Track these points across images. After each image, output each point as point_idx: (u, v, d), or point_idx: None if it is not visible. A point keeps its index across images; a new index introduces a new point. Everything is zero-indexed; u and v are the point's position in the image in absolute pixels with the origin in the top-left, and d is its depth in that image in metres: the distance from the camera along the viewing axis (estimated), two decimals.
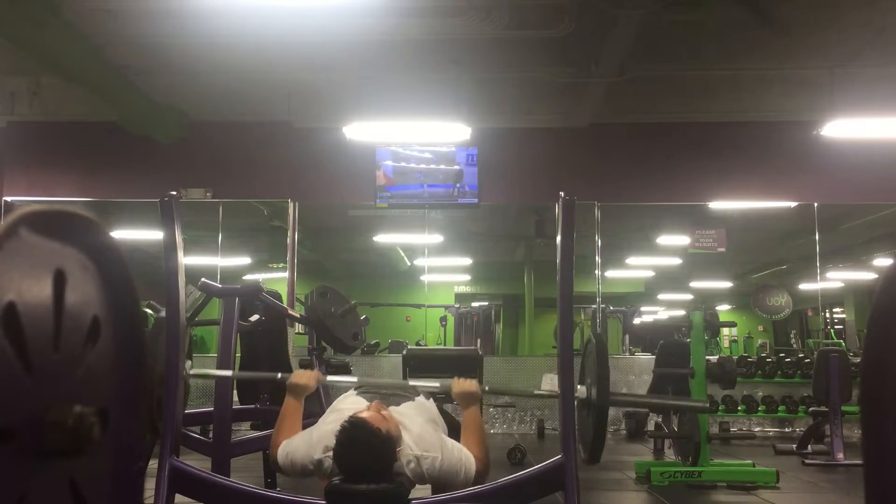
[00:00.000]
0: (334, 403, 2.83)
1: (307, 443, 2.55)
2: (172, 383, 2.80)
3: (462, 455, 2.53)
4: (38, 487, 0.89)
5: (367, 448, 2.32)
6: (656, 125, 8.01)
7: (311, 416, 3.01)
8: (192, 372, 3.05)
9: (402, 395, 2.82)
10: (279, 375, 2.95)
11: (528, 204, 8.69)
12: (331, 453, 2.42)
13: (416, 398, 2.82)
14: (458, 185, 7.84)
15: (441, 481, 2.54)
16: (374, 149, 7.81)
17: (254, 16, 5.76)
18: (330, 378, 2.98)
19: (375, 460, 2.33)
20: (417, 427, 2.55)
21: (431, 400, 2.94)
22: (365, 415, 2.42)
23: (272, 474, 4.23)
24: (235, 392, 4.33)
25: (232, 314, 3.76)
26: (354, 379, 3.24)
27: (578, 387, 2.75)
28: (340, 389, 3.15)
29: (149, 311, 5.00)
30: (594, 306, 8.18)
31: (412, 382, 3.02)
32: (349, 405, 2.68)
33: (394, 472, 2.39)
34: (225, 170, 8.00)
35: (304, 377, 2.83)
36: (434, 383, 2.92)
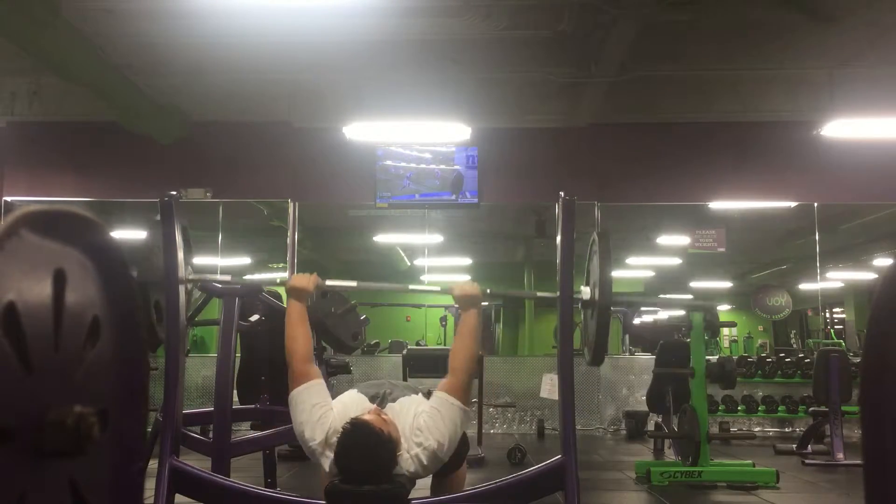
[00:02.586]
0: (340, 396, 2.82)
1: (310, 421, 2.51)
2: (172, 383, 2.80)
3: (444, 417, 2.50)
4: (38, 487, 0.89)
5: (368, 451, 2.33)
6: (656, 125, 8.01)
7: None
8: (191, 277, 3.08)
9: (401, 393, 2.81)
10: (278, 279, 2.95)
11: (528, 204, 8.69)
12: (329, 453, 2.42)
13: (413, 395, 2.81)
14: (451, 192, 7.84)
15: (449, 450, 2.52)
16: (374, 149, 7.81)
17: (254, 16, 5.76)
18: (329, 282, 2.98)
19: (376, 463, 2.34)
20: (409, 423, 2.55)
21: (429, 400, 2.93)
22: (366, 417, 2.43)
23: (272, 474, 4.23)
24: (235, 392, 4.33)
25: (232, 314, 3.76)
26: (353, 283, 3.21)
27: (583, 288, 2.74)
28: (339, 388, 3.15)
29: None
30: None
31: (412, 287, 3.01)
32: (353, 404, 2.67)
33: (394, 473, 2.39)
34: (225, 170, 7.99)
35: (302, 279, 2.83)
36: (435, 287, 2.92)
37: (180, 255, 2.84)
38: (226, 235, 8.15)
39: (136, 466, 1.17)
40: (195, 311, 4.77)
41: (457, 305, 2.85)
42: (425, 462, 2.45)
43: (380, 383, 2.92)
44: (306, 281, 2.83)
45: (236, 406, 4.23)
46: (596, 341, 2.70)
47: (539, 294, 2.96)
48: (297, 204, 8.00)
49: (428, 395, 2.90)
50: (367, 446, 2.32)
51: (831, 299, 10.82)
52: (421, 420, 2.52)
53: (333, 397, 2.70)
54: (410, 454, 2.45)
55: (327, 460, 2.44)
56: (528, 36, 6.21)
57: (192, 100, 7.60)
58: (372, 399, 2.70)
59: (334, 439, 2.42)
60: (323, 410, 2.55)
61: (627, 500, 4.82)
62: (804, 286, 9.92)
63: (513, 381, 8.02)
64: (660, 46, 6.59)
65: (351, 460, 2.34)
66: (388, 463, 2.36)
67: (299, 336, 2.71)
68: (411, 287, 3.09)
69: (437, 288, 2.89)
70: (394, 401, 2.70)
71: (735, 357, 7.38)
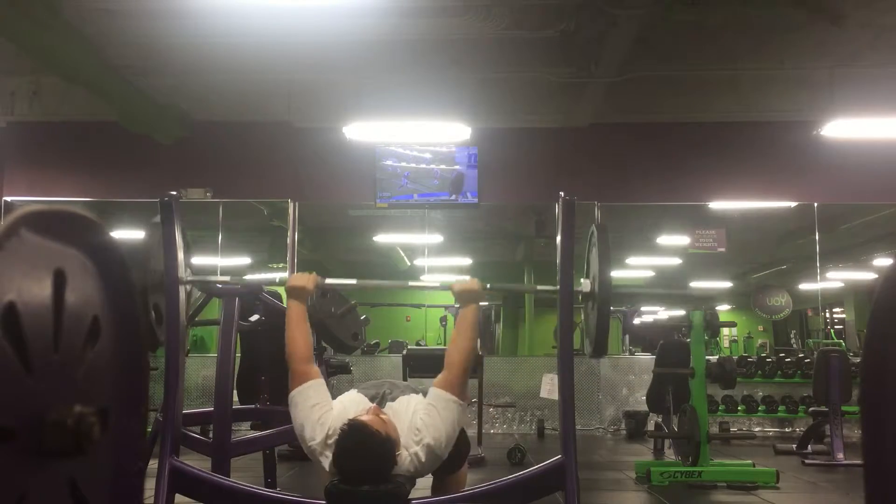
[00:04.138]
0: (339, 397, 2.82)
1: (310, 420, 2.52)
2: (172, 383, 2.80)
3: (441, 413, 2.49)
4: (38, 487, 0.89)
5: (367, 452, 2.32)
6: (656, 125, 8.01)
7: None
8: (190, 278, 3.06)
9: (400, 393, 2.80)
10: (277, 278, 3.00)
11: (528, 204, 8.68)
12: (329, 453, 2.42)
13: (412, 395, 2.81)
14: (451, 192, 7.84)
15: (447, 447, 2.53)
16: (373, 149, 7.81)
17: (254, 16, 5.76)
18: (329, 280, 2.98)
19: (375, 463, 2.33)
20: (407, 422, 2.55)
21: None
22: (365, 418, 2.43)
23: (272, 474, 4.23)
24: (235, 392, 4.33)
25: (232, 314, 3.76)
26: (353, 281, 3.21)
27: (582, 280, 2.74)
28: (339, 389, 3.15)
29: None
30: None
31: (411, 283, 3.00)
32: (351, 405, 2.67)
33: (393, 473, 2.39)
34: (225, 170, 8.00)
35: (301, 279, 2.83)
36: (434, 283, 2.93)
37: (180, 254, 2.84)
38: (226, 235, 8.15)
39: (136, 466, 1.17)
40: (195, 311, 4.77)
41: (457, 304, 2.85)
42: (424, 460, 2.45)
43: (380, 383, 2.92)
44: (306, 280, 2.83)
45: (236, 406, 4.23)
46: (597, 333, 2.70)
47: (539, 287, 2.97)
48: (297, 204, 8.00)
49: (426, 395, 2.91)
50: (364, 447, 2.32)
51: (831, 299, 10.82)
52: (418, 418, 2.52)
53: (333, 397, 2.69)
54: (409, 453, 2.44)
55: (327, 460, 2.44)
56: (528, 36, 6.21)
57: (192, 100, 7.60)
58: (371, 399, 2.70)
59: (333, 439, 2.42)
60: (323, 410, 2.55)
61: (627, 500, 4.82)
62: (804, 286, 9.92)
63: (513, 381, 8.02)
64: (660, 46, 6.59)
65: (349, 461, 2.33)
66: (387, 463, 2.36)
67: (299, 336, 2.70)
68: (411, 283, 3.08)
69: (437, 284, 2.88)
70: (393, 400, 2.70)
71: (735, 357, 7.37)
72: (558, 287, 2.69)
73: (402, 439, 2.47)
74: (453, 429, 2.50)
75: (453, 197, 7.88)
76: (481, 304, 2.90)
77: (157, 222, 2.89)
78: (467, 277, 2.87)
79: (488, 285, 2.88)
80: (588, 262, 2.88)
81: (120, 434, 1.09)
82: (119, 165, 7.99)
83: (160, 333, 2.86)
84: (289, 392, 2.62)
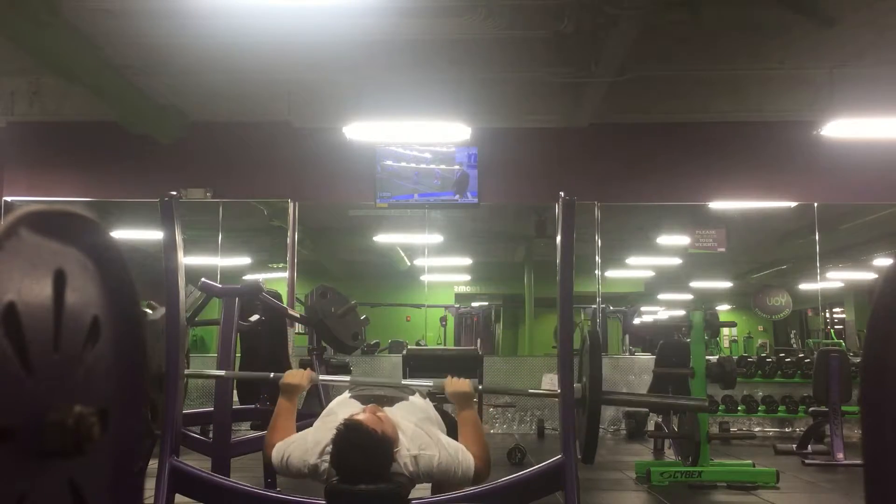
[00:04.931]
0: (329, 406, 2.81)
1: (303, 447, 2.52)
2: (172, 383, 2.80)
3: (460, 453, 2.52)
4: (38, 487, 0.89)
5: (364, 450, 2.31)
6: (656, 125, 8.01)
7: (312, 415, 3.00)
8: (186, 372, 3.04)
9: (396, 396, 2.80)
10: (271, 375, 2.93)
11: (528, 204, 8.69)
12: (327, 457, 2.41)
13: (411, 398, 2.81)
14: (451, 192, 7.85)
15: (440, 479, 2.53)
16: (374, 149, 7.81)
17: (254, 16, 5.76)
18: (322, 378, 2.97)
19: (373, 462, 2.32)
20: (412, 427, 2.54)
21: (427, 399, 2.93)
22: (361, 417, 2.41)
23: (272, 474, 4.23)
24: (235, 392, 4.33)
25: (232, 314, 3.76)
26: (347, 378, 3.22)
27: (575, 385, 2.74)
28: (338, 389, 3.15)
29: (149, 311, 5.01)
30: (594, 306, 8.18)
31: (405, 381, 3.01)
32: (343, 409, 2.67)
33: (392, 472, 2.38)
34: (225, 170, 8.00)
35: (295, 377, 2.82)
36: (427, 382, 2.91)
37: (180, 255, 2.84)
38: (226, 235, 8.15)
39: (136, 466, 1.17)
40: (195, 311, 4.77)
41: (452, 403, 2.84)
42: (419, 466, 2.44)
43: (372, 385, 2.93)
44: (300, 377, 2.83)
45: (236, 406, 4.23)
46: (586, 441, 2.73)
47: (531, 391, 3.03)
48: (297, 204, 8.00)
49: (424, 396, 2.91)
50: (361, 445, 2.30)
51: (831, 299, 10.80)
52: (431, 436, 2.52)
53: (332, 399, 2.70)
54: (409, 454, 2.44)
55: (325, 464, 2.44)
56: (528, 36, 6.21)
57: (192, 100, 7.60)
58: (364, 401, 2.69)
59: (330, 444, 2.41)
60: (312, 436, 2.55)
61: (627, 500, 4.82)
62: (804, 286, 9.91)
63: (513, 381, 8.01)
64: (660, 46, 6.59)
65: (345, 460, 2.32)
66: (384, 461, 2.34)
67: (280, 430, 2.68)
68: (404, 382, 3.09)
69: (430, 384, 2.89)
70: (391, 405, 2.69)
71: (735, 357, 7.37)
72: (558, 388, 2.70)
73: (402, 439, 2.46)
74: (457, 468, 2.48)
75: (457, 197, 7.88)
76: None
77: (155, 318, 2.85)
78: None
79: (480, 386, 2.91)
80: (581, 365, 2.91)
81: (120, 434, 1.09)
82: (119, 165, 8.00)
83: (156, 428, 2.78)
84: (268, 449, 2.61)
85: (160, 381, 2.79)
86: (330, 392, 4.13)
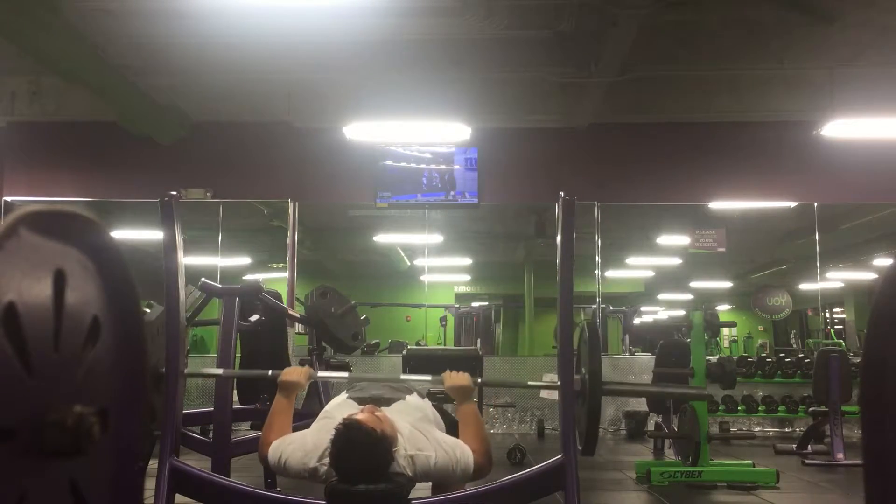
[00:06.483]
0: (326, 408, 2.81)
1: (302, 449, 2.51)
2: (172, 383, 2.80)
3: (457, 450, 2.51)
4: (38, 487, 0.89)
5: (363, 450, 2.30)
6: (656, 125, 8.01)
7: (311, 415, 3.00)
8: (185, 371, 3.03)
9: (394, 396, 2.80)
10: (270, 373, 2.92)
11: (528, 204, 8.69)
12: (327, 460, 2.40)
13: (408, 397, 2.80)
14: (451, 192, 7.85)
15: (438, 478, 2.53)
16: (374, 149, 7.81)
17: (254, 16, 5.76)
18: (321, 374, 2.96)
19: (372, 461, 2.31)
20: (408, 427, 2.54)
21: (426, 399, 2.93)
22: (359, 416, 2.41)
23: (272, 474, 4.23)
24: (235, 392, 4.33)
25: (232, 314, 3.76)
26: (346, 374, 3.21)
27: (575, 377, 2.75)
28: (338, 388, 3.15)
29: (146, 310, 5.01)
30: (594, 306, 8.18)
31: (403, 377, 3.01)
32: (341, 410, 2.66)
33: (392, 472, 2.38)
34: (225, 170, 8.00)
35: (294, 374, 2.81)
36: (426, 377, 2.91)
37: (180, 255, 2.83)
38: (226, 235, 8.15)
39: (136, 466, 1.17)
40: (195, 311, 4.77)
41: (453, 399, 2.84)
42: (416, 466, 2.44)
43: (368, 386, 2.92)
44: (298, 374, 2.81)
45: (236, 406, 4.23)
46: (587, 432, 2.72)
47: (530, 383, 3.03)
48: (297, 204, 8.00)
49: (423, 396, 2.90)
50: (359, 445, 2.30)
51: (831, 299, 10.80)
52: (433, 437, 2.52)
53: (331, 398, 2.69)
54: (407, 453, 2.44)
55: (324, 467, 2.44)
56: (528, 36, 6.21)
57: (191, 100, 7.60)
58: (361, 402, 2.69)
59: (329, 446, 2.40)
60: (311, 438, 2.54)
61: (627, 500, 4.82)
62: (804, 286, 9.91)
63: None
64: (660, 46, 6.59)
65: (344, 460, 2.32)
66: (383, 460, 2.34)
67: (276, 428, 2.67)
68: (402, 377, 3.08)
69: (429, 378, 2.88)
70: (388, 405, 2.69)
71: (735, 357, 7.37)
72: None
73: (400, 439, 2.46)
74: (455, 466, 2.48)
75: (457, 197, 7.88)
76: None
77: (151, 318, 2.83)
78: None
79: (478, 379, 2.89)
80: (579, 357, 2.91)
81: (120, 434, 1.09)
82: (119, 165, 7.99)
83: (154, 429, 2.77)
84: (264, 448, 2.60)
85: (156, 381, 2.78)
86: (330, 392, 4.13)
